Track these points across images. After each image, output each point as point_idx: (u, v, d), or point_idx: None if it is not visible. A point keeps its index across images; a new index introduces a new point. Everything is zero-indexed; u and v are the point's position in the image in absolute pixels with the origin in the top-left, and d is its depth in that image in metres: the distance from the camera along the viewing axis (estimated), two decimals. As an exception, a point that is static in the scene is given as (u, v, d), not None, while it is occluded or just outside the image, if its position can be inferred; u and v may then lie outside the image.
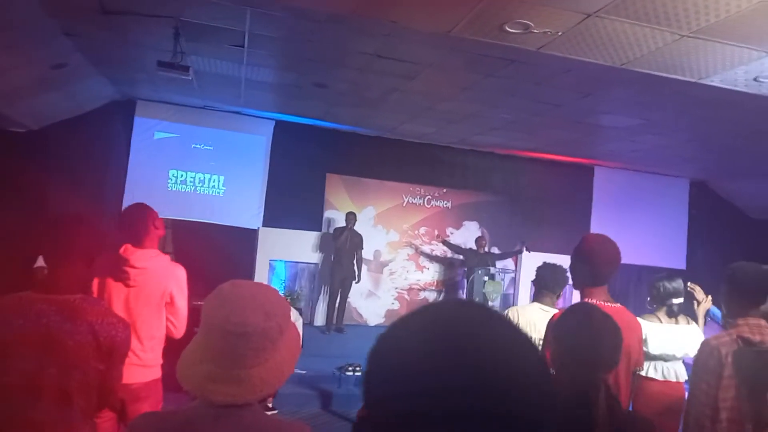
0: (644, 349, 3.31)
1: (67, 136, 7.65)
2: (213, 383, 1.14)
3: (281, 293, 6.72)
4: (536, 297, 3.44)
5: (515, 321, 3.25)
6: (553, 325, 1.89)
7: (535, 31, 3.84)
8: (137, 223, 2.90)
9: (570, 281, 2.93)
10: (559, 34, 3.87)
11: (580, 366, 1.61)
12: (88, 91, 7.22)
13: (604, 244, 2.41)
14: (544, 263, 3.66)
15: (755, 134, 6.50)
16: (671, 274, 3.65)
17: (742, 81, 4.46)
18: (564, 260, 9.96)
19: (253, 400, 1.17)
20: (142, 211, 2.97)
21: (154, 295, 2.82)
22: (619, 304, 2.43)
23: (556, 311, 3.19)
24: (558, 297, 3.41)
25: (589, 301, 2.39)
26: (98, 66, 6.43)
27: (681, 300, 3.55)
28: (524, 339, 0.63)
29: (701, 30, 3.64)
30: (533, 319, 3.20)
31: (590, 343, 1.64)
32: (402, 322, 0.67)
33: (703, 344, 2.38)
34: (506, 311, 3.42)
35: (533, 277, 3.58)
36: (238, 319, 1.15)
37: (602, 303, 2.37)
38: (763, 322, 2.29)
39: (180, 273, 2.92)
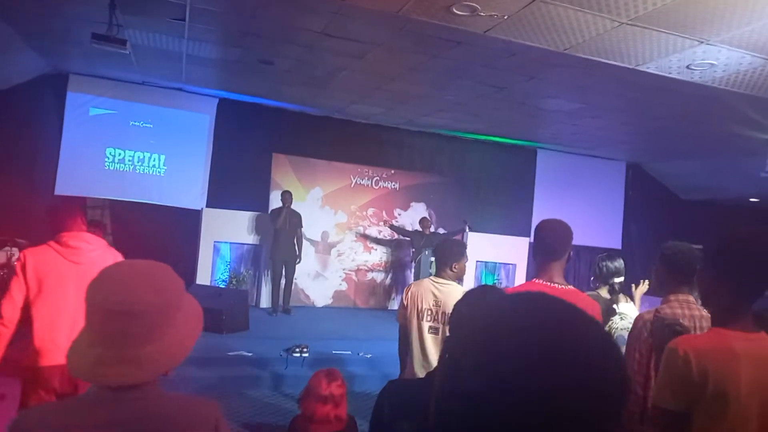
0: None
1: (-7, 111, 7.20)
2: (103, 366, 1.08)
3: (226, 275, 6.55)
4: (438, 272, 3.53)
5: (407, 293, 3.35)
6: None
7: (482, 14, 3.87)
8: (67, 212, 2.86)
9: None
10: (505, 17, 3.92)
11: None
12: (15, 64, 6.77)
13: (555, 222, 2.58)
14: (442, 239, 3.79)
15: (686, 118, 6.83)
16: (613, 254, 3.79)
17: (675, 68, 4.66)
18: (508, 240, 10.25)
19: (148, 379, 1.12)
20: (67, 203, 2.99)
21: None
22: (571, 286, 2.52)
23: (450, 283, 3.34)
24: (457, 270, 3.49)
25: (540, 279, 2.48)
26: (27, 37, 6.05)
27: (622, 279, 3.70)
28: (605, 334, 0.65)
29: (639, 17, 3.77)
30: (424, 289, 3.36)
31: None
32: (486, 332, 0.64)
33: (637, 318, 2.52)
34: (406, 288, 3.55)
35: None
36: (120, 297, 1.09)
37: (552, 284, 2.47)
38: (691, 297, 2.44)
39: (119, 258, 2.85)
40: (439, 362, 1.87)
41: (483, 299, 1.74)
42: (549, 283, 2.48)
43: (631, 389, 2.36)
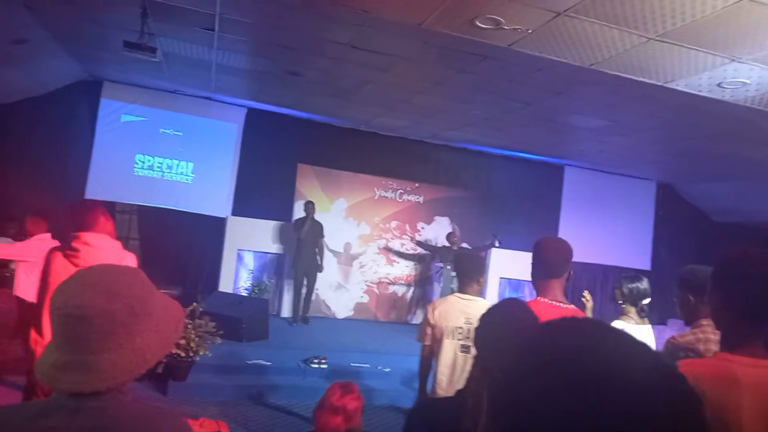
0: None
1: (30, 115, 7.44)
2: (59, 371, 1.07)
3: (249, 283, 6.56)
4: (461, 287, 3.46)
5: (433, 311, 3.27)
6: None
7: (506, 27, 3.85)
8: (87, 211, 2.89)
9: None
10: (530, 31, 3.89)
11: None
12: (51, 70, 7.00)
13: (552, 240, 2.56)
14: (458, 255, 3.74)
15: (718, 138, 6.65)
16: (639, 275, 3.72)
17: (706, 86, 4.55)
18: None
19: (104, 388, 1.08)
20: (89, 203, 3.02)
21: None
22: (572, 306, 2.47)
23: (476, 299, 3.27)
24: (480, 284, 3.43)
25: (545, 298, 2.43)
26: (63, 43, 6.24)
27: (649, 300, 3.63)
28: (653, 359, 0.61)
29: (667, 33, 3.69)
30: (451, 306, 3.28)
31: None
32: (527, 356, 0.62)
33: (667, 342, 2.42)
34: (428, 305, 3.50)
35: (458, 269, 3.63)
36: (76, 301, 1.07)
37: (557, 303, 2.41)
38: None
39: (131, 260, 2.87)
40: (468, 380, 1.82)
41: (512, 317, 1.72)
42: (553, 302, 2.42)
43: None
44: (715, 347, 2.28)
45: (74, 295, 1.08)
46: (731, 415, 1.47)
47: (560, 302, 2.42)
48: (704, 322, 2.38)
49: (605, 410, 0.53)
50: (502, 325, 1.74)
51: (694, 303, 2.46)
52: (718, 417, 1.47)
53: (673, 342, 2.37)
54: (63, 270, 2.74)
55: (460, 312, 3.22)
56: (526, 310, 1.79)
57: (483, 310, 2.61)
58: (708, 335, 2.32)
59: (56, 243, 2.99)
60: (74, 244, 2.75)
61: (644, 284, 3.61)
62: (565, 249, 2.48)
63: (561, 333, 0.62)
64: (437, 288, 9.33)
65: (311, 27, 4.90)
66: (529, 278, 2.58)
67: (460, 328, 3.20)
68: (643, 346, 0.60)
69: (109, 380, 1.07)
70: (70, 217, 2.91)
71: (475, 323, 3.23)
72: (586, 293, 4.24)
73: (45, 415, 1.08)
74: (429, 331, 3.33)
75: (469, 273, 3.38)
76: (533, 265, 2.51)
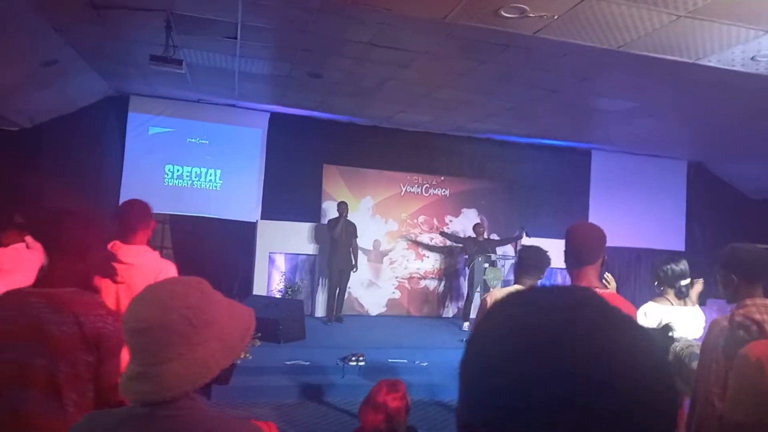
0: (668, 322, 3.33)
1: (62, 133, 7.62)
2: (132, 382, 1.13)
3: (282, 285, 6.60)
4: (517, 279, 3.42)
5: (492, 300, 3.24)
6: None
7: (531, 15, 3.81)
8: (125, 218, 2.90)
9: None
10: (555, 17, 3.84)
11: None
12: (80, 88, 7.16)
13: (584, 226, 2.55)
14: (525, 246, 3.67)
15: (752, 114, 6.48)
16: (675, 256, 3.65)
17: (739, 60, 4.44)
18: (563, 245, 9.94)
19: (169, 397, 1.12)
20: (131, 206, 2.97)
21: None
22: (609, 290, 2.44)
23: None
24: (539, 279, 3.39)
25: (577, 285, 2.41)
26: (90, 61, 6.38)
27: (688, 281, 3.55)
28: (646, 343, 0.54)
29: (698, 10, 3.61)
30: None
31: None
32: (500, 319, 0.57)
33: (713, 323, 2.38)
34: (484, 295, 3.43)
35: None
36: (134, 315, 1.14)
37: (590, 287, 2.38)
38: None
39: (170, 269, 2.89)
40: None
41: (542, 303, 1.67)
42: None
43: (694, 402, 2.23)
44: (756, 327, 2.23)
45: (134, 311, 1.15)
46: None
47: (595, 287, 2.38)
48: (748, 301, 2.33)
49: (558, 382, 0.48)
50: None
51: (738, 282, 2.40)
52: None
53: (722, 325, 2.32)
54: (105, 288, 2.78)
55: None
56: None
57: None
58: (754, 315, 2.27)
59: (33, 252, 2.95)
60: (116, 265, 2.79)
61: (681, 265, 3.53)
62: (597, 234, 2.44)
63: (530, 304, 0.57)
64: (464, 281, 9.28)
65: (331, 28, 4.92)
66: (561, 266, 2.55)
67: None
68: (624, 324, 0.54)
69: (173, 389, 1.11)
70: (117, 219, 2.94)
71: None
72: (607, 276, 4.09)
73: (124, 424, 1.13)
74: None
75: (540, 265, 3.34)
76: (566, 252, 2.48)
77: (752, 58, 4.37)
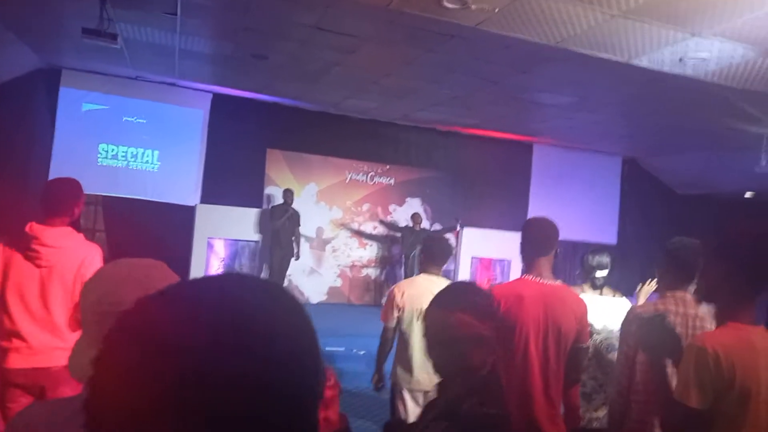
0: None
1: (-16, 106, 7.16)
2: None
3: (221, 271, 6.51)
4: (423, 268, 3.50)
5: (401, 294, 3.24)
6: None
7: (472, 6, 3.85)
8: (51, 197, 2.75)
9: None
10: (496, 11, 3.90)
11: None
12: (6, 59, 6.73)
13: (541, 220, 2.65)
14: (429, 236, 3.77)
15: (681, 113, 6.82)
16: (598, 248, 3.80)
17: (668, 62, 4.64)
18: (504, 236, 10.17)
19: None
20: (58, 184, 2.81)
21: (68, 275, 2.68)
22: (559, 282, 2.55)
23: (443, 279, 3.31)
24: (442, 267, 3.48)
25: (529, 276, 2.51)
26: (17, 32, 6.01)
27: (605, 273, 3.69)
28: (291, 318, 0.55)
29: (630, 10, 3.75)
30: (423, 288, 3.20)
31: None
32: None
33: (629, 311, 2.51)
34: (393, 287, 3.48)
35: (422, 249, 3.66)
36: (112, 297, 1.08)
37: (541, 280, 2.48)
38: (688, 296, 2.42)
39: (95, 252, 2.78)
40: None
41: (460, 298, 1.67)
42: (538, 279, 2.50)
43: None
44: (675, 318, 2.37)
45: (107, 292, 1.09)
46: (754, 381, 1.62)
47: (545, 278, 2.51)
48: (668, 293, 2.48)
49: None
50: (443, 301, 1.64)
51: (667, 274, 2.55)
52: (745, 385, 1.59)
53: (636, 312, 2.46)
54: (27, 272, 2.65)
55: (431, 294, 3.26)
56: (477, 293, 1.70)
57: None
58: (668, 306, 2.41)
59: None
60: (34, 246, 2.64)
61: (599, 257, 3.67)
62: (551, 228, 2.58)
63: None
64: (402, 271, 9.36)
65: (276, 9, 4.82)
66: (500, 256, 2.66)
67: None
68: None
69: None
70: (42, 198, 2.78)
71: None
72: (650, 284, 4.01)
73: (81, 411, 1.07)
74: (396, 313, 3.34)
75: (441, 255, 3.42)
76: (522, 244, 2.60)
77: (680, 60, 4.58)
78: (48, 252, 2.64)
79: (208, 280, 0.58)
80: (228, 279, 0.57)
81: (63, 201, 2.75)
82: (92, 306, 1.10)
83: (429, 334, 1.64)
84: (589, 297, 3.59)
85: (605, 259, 3.65)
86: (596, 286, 3.62)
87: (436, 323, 1.61)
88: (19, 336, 2.62)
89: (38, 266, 2.65)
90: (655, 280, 3.88)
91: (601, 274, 3.59)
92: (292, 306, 0.56)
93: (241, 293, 0.54)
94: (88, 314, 1.11)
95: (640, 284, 3.86)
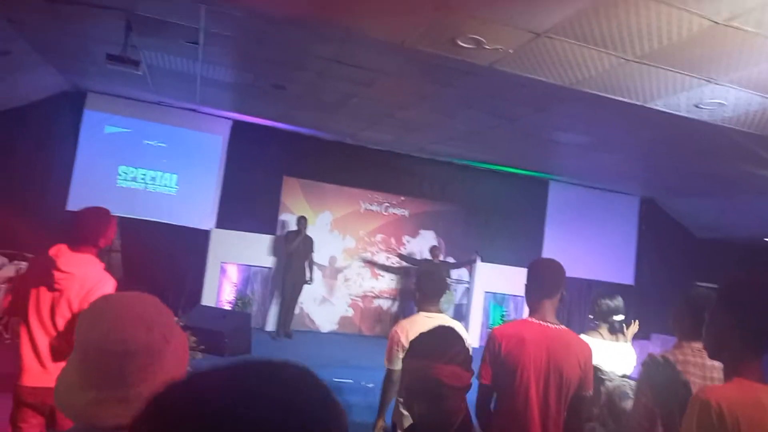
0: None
1: (11, 126, 7.37)
2: (98, 406, 1.07)
3: (232, 296, 6.48)
4: (420, 306, 3.37)
5: (404, 334, 3.12)
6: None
7: (487, 47, 3.89)
8: (79, 225, 2.82)
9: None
10: (510, 51, 3.93)
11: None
12: (34, 81, 6.95)
13: (546, 262, 2.62)
14: (423, 271, 3.67)
15: (699, 155, 6.74)
16: (612, 291, 3.74)
17: (684, 106, 4.61)
18: (518, 272, 10.04)
19: None
20: (88, 214, 2.86)
21: (74, 301, 2.71)
22: (561, 326, 2.50)
23: (442, 316, 3.24)
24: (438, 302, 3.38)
25: (533, 318, 2.46)
26: (46, 55, 6.21)
27: (622, 317, 3.63)
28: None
29: (645, 55, 3.75)
30: (422, 327, 3.17)
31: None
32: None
33: (645, 359, 2.43)
34: (395, 327, 3.36)
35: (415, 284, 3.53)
36: (118, 335, 1.07)
37: (545, 323, 2.43)
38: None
39: (106, 283, 2.80)
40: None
41: (440, 348, 1.62)
42: (542, 323, 2.45)
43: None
44: (693, 369, 2.30)
45: (111, 329, 1.08)
46: None
47: (550, 322, 2.46)
48: (684, 343, 2.41)
49: None
50: (428, 351, 1.61)
51: (685, 323, 2.47)
52: None
53: (650, 360, 2.39)
54: (43, 293, 2.71)
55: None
56: (455, 341, 1.66)
57: (460, 330, 2.58)
58: (687, 356, 2.34)
59: None
60: (50, 269, 2.70)
61: (615, 301, 3.62)
62: (558, 270, 2.53)
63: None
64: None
65: (295, 42, 4.91)
66: (514, 292, 2.62)
67: None
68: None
69: None
70: (71, 224, 2.84)
71: None
72: (634, 325, 3.98)
73: None
74: (401, 355, 3.25)
75: (437, 290, 3.35)
76: (527, 285, 2.57)
77: (696, 105, 4.55)
78: (60, 276, 2.71)
79: (233, 373, 0.62)
80: (255, 371, 0.62)
81: (89, 231, 2.83)
82: (94, 343, 1.08)
83: (409, 386, 1.59)
84: (604, 343, 3.52)
85: (621, 302, 3.59)
86: (614, 330, 3.56)
87: (417, 375, 1.56)
88: (35, 354, 2.69)
89: (51, 290, 2.72)
90: (637, 322, 3.86)
91: (618, 318, 3.53)
92: (318, 399, 0.62)
93: (267, 389, 0.60)
94: (90, 351, 1.08)
95: (625, 325, 3.77)
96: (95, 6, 4.51)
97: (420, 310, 3.36)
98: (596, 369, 3.51)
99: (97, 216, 2.87)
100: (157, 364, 1.12)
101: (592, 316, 3.72)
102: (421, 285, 3.39)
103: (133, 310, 1.12)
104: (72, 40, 5.52)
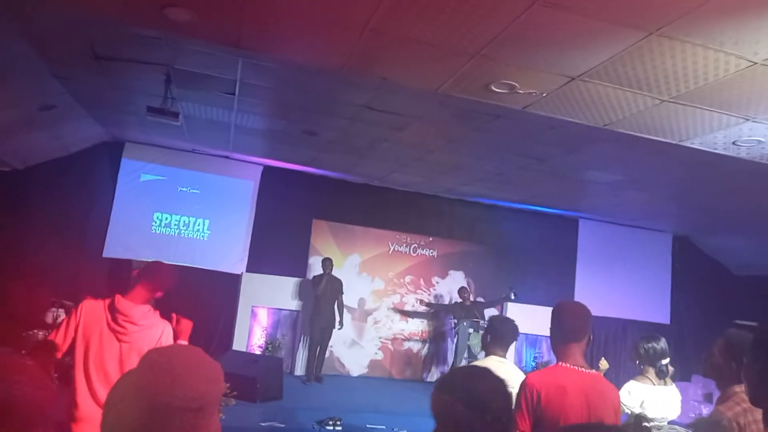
0: (641, 412, 3.30)
1: (53, 176, 7.61)
2: None
3: (263, 340, 6.49)
4: (490, 350, 3.34)
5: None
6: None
7: (521, 91, 3.93)
8: (150, 276, 2.89)
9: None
10: (544, 95, 3.96)
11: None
12: (76, 132, 7.21)
13: (571, 304, 2.58)
14: (495, 316, 3.65)
15: (734, 193, 6.63)
16: (655, 334, 3.65)
17: (721, 144, 4.57)
18: (549, 313, 9.85)
19: None
20: (162, 269, 2.98)
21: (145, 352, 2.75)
22: (594, 371, 2.46)
23: (509, 362, 3.23)
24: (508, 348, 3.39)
25: (566, 363, 2.41)
26: (88, 108, 6.45)
27: (668, 360, 3.55)
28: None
29: (680, 96, 3.75)
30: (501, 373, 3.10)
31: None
32: None
33: (716, 413, 2.34)
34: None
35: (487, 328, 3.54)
36: (193, 393, 1.07)
37: (579, 368, 2.38)
38: None
39: (169, 330, 2.86)
40: None
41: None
42: (576, 367, 2.40)
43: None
44: (752, 416, 2.20)
45: (176, 385, 1.07)
46: None
47: (582, 367, 2.42)
48: (737, 388, 2.31)
49: None
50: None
51: (735, 369, 2.37)
52: None
53: (723, 414, 2.28)
54: (108, 344, 2.74)
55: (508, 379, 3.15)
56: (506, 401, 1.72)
57: (517, 376, 2.54)
58: (736, 409, 2.25)
59: None
60: (121, 321, 2.74)
61: (661, 344, 3.54)
62: (584, 313, 2.49)
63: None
64: (451, 345, 9.19)
65: (328, 90, 5.03)
66: (546, 333, 2.56)
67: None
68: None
69: None
70: (140, 275, 2.90)
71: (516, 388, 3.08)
72: (602, 361, 4.22)
73: None
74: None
75: (509, 336, 3.34)
76: (552, 329, 2.51)
77: (734, 143, 4.50)
78: (133, 329, 2.75)
79: None
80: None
81: (156, 284, 2.90)
82: (165, 399, 1.05)
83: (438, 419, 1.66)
84: (654, 389, 3.42)
85: (665, 344, 3.51)
86: (663, 374, 3.47)
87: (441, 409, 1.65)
88: (95, 403, 2.67)
89: (120, 341, 2.74)
90: (604, 359, 3.93)
91: (665, 361, 3.45)
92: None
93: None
94: (160, 407, 1.06)
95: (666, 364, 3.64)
96: (139, 62, 4.70)
97: (488, 353, 3.32)
98: (642, 417, 3.40)
99: (168, 271, 3.00)
100: (215, 415, 1.16)
101: (637, 361, 3.62)
102: (493, 329, 3.39)
103: (201, 366, 1.13)
104: (113, 93, 5.74)
